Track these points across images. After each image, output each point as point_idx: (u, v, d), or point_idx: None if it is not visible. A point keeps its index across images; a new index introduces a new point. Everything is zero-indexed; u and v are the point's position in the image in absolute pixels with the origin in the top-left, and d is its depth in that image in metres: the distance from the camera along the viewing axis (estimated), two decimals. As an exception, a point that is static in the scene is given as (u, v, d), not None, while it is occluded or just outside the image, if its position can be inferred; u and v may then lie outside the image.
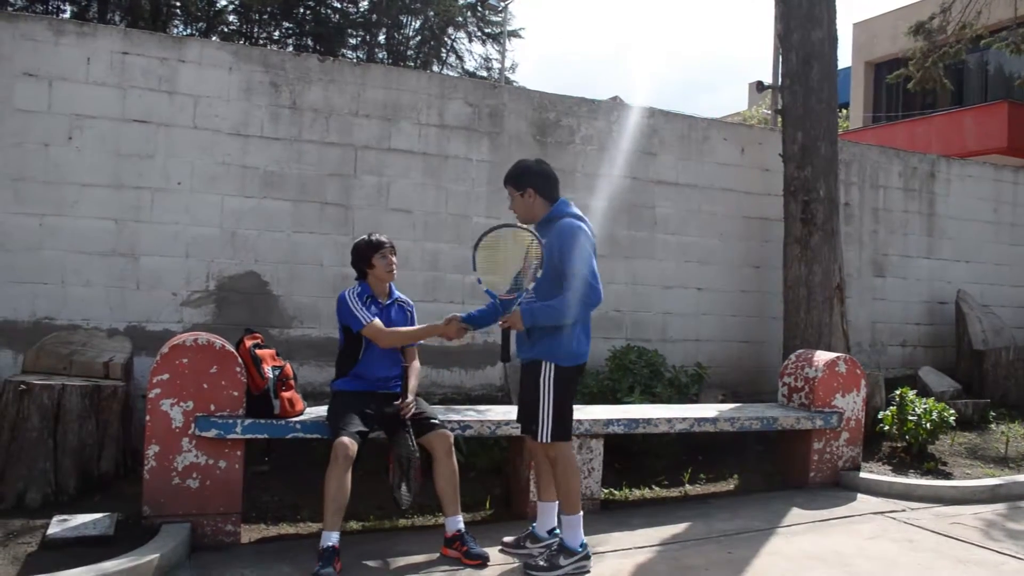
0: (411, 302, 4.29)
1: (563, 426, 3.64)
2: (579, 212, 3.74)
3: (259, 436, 3.97)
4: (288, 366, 4.20)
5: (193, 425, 3.88)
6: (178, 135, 5.60)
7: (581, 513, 3.72)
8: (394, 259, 4.10)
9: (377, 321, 3.96)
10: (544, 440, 3.62)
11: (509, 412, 4.71)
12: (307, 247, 5.95)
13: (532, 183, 3.70)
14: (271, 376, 4.04)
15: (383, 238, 4.11)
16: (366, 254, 4.06)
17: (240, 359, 4.01)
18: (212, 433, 3.87)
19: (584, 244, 3.54)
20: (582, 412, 4.94)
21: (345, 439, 3.62)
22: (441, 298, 6.31)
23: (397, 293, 4.22)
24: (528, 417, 3.69)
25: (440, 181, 6.36)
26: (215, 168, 5.70)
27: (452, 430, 4.19)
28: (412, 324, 4.21)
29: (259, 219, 5.82)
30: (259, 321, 5.74)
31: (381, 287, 4.11)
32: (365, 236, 4.12)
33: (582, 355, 3.67)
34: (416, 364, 4.20)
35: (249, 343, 4.11)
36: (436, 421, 3.95)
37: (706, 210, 7.35)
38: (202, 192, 5.66)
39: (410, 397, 3.92)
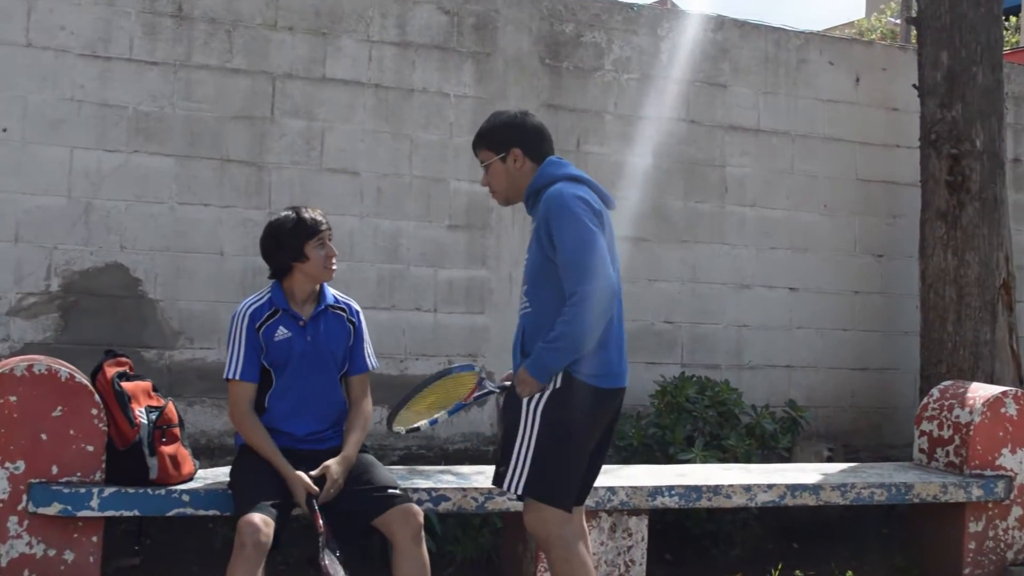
0: (356, 307, 4.28)
1: (550, 476, 3.60)
2: (575, 171, 3.79)
3: (127, 513, 3.94)
4: (171, 407, 4.18)
5: (25, 497, 3.85)
6: (2, 57, 5.56)
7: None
8: (332, 244, 4.09)
9: (244, 385, 3.97)
10: (512, 490, 3.61)
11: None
12: (200, 227, 5.91)
13: (518, 140, 3.78)
14: (145, 422, 4.02)
15: (320, 215, 4.09)
16: (292, 242, 4.03)
17: (99, 396, 3.98)
18: (55, 509, 3.84)
19: (584, 216, 3.58)
20: (614, 476, 4.90)
21: (255, 518, 3.60)
22: (402, 303, 6.28)
23: (332, 295, 4.20)
24: (502, 453, 3.68)
25: (401, 127, 6.32)
26: (60, 108, 5.66)
27: (420, 503, 4.16)
28: (357, 338, 4.22)
29: (127, 184, 5.78)
30: (127, 339, 5.69)
31: (307, 290, 4.10)
32: (290, 212, 4.11)
33: (609, 372, 3.64)
34: (366, 407, 4.18)
35: (112, 372, 4.09)
36: (396, 492, 3.93)
37: (802, 170, 7.31)
38: (40, 143, 5.63)
39: (334, 471, 3.89)
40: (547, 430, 3.56)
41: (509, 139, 3.78)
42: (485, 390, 3.80)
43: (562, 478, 3.61)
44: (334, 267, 4.10)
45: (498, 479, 3.67)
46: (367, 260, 6.20)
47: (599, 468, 3.86)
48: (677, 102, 6.97)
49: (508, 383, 3.72)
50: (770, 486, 4.96)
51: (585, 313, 3.48)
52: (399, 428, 3.78)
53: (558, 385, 3.58)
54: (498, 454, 3.73)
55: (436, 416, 3.79)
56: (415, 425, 3.77)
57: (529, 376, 3.57)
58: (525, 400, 3.58)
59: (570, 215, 3.55)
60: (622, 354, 3.71)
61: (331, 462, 3.92)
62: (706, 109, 7.07)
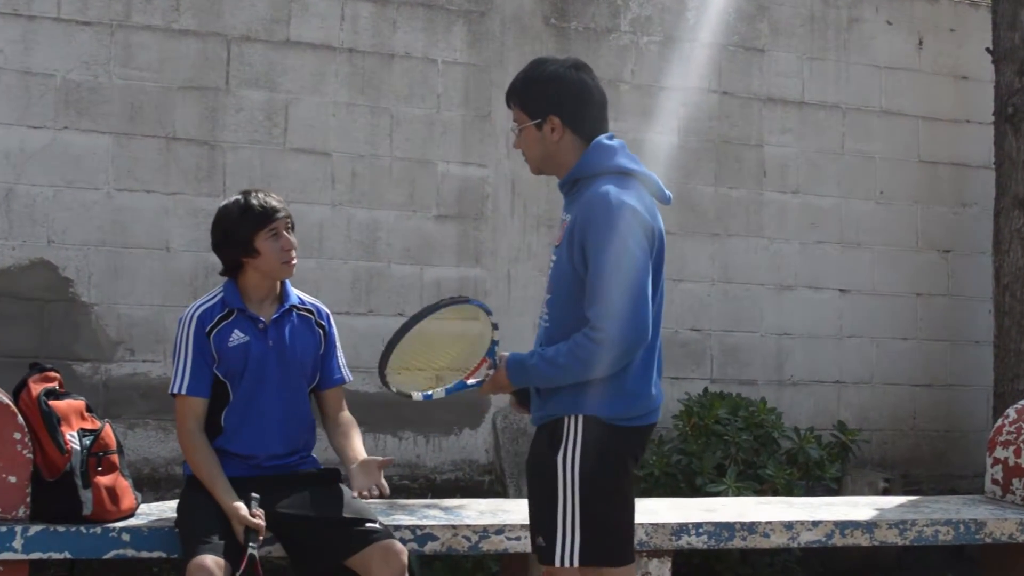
0: (326, 309, 4.28)
1: (603, 537, 3.60)
2: (628, 161, 3.62)
3: (56, 555, 3.93)
4: (108, 430, 4.15)
5: (-64, 535, 3.83)
6: (-91, 16, 5.60)
7: None
8: (293, 239, 4.08)
9: (192, 401, 3.97)
10: (567, 564, 3.58)
11: (502, 509, 4.69)
12: (142, 217, 5.93)
13: (558, 106, 3.59)
14: (78, 448, 3.99)
15: (274, 201, 4.09)
16: (242, 231, 4.02)
17: (22, 418, 3.96)
18: (-30, 550, 3.84)
19: (630, 237, 3.43)
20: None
21: (206, 561, 3.59)
22: (381, 307, 6.29)
23: (296, 295, 4.21)
24: (536, 522, 3.65)
25: (380, 99, 6.34)
26: (-24, 75, 5.69)
27: (404, 542, 4.16)
28: (329, 345, 4.22)
29: (55, 167, 5.79)
30: (56, 350, 5.71)
31: (264, 289, 4.10)
32: (238, 197, 4.10)
33: (644, 404, 3.62)
34: (347, 415, 4.23)
35: (38, 390, 4.06)
36: (376, 527, 3.93)
37: (855, 150, 7.32)
38: (-48, 118, 5.65)
39: (355, 469, 3.95)
40: (590, 489, 3.49)
41: (548, 103, 3.58)
42: (484, 375, 3.67)
43: (619, 534, 3.61)
44: (293, 261, 4.05)
45: (545, 555, 3.56)
46: (339, 257, 6.22)
47: None
48: (706, 70, 6.98)
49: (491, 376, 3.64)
50: (815, 523, 4.95)
51: (600, 356, 3.40)
52: (393, 378, 3.60)
53: (586, 436, 3.49)
54: (534, 522, 3.65)
55: (432, 391, 3.64)
56: (408, 391, 3.61)
57: (506, 377, 3.56)
58: (559, 460, 3.53)
59: (613, 233, 3.40)
60: (660, 375, 3.67)
61: (355, 468, 3.96)
62: (741, 78, 7.07)
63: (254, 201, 4.04)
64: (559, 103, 3.57)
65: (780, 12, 7.19)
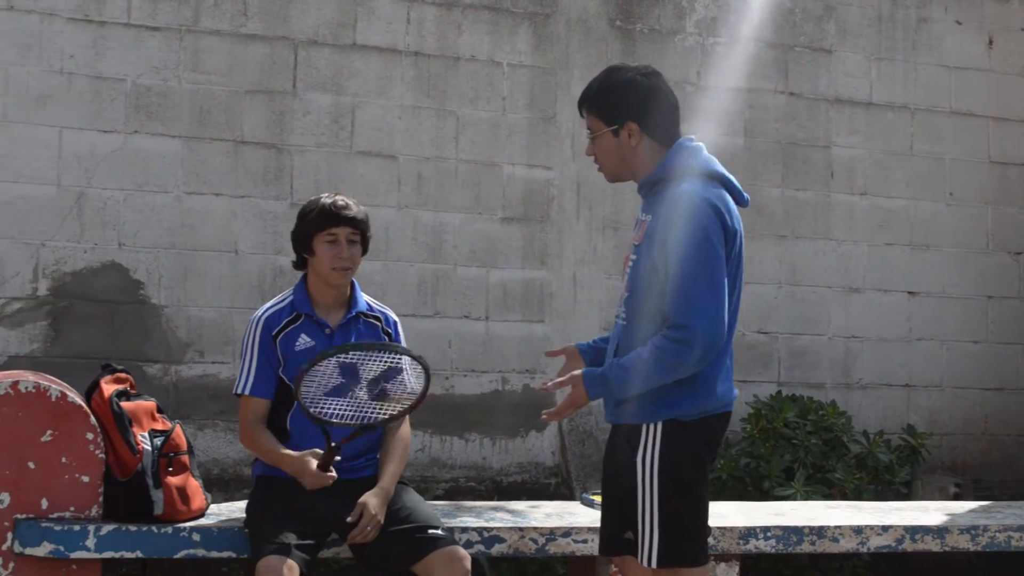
0: (394, 317, 4.26)
1: (681, 537, 3.58)
2: (715, 166, 3.64)
3: (128, 554, 3.94)
4: (179, 431, 4.18)
5: (10, 536, 3.86)
6: (-17, 22, 5.67)
7: None
8: (354, 251, 4.05)
9: (255, 402, 4.00)
10: (649, 563, 3.57)
11: (568, 512, 4.67)
12: (210, 220, 5.97)
13: (638, 112, 3.62)
14: (149, 448, 4.02)
15: (347, 210, 4.05)
16: (305, 228, 4.05)
17: (95, 419, 3.99)
18: (44, 549, 3.85)
19: (713, 235, 3.47)
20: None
21: (274, 562, 3.60)
22: (448, 309, 6.30)
23: (365, 301, 4.20)
24: (615, 521, 3.66)
25: (446, 102, 6.35)
26: (47, 81, 5.74)
27: (469, 546, 4.16)
28: None
29: (126, 171, 5.84)
30: (127, 351, 5.75)
31: (331, 294, 4.10)
32: (323, 195, 4.11)
33: (722, 396, 3.60)
34: (404, 432, 4.17)
35: (110, 391, 4.08)
36: (439, 533, 3.92)
37: (924, 151, 7.26)
38: (24, 123, 5.71)
39: (372, 506, 3.87)
40: (669, 490, 3.50)
41: (627, 109, 3.62)
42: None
43: (697, 534, 3.61)
44: (345, 269, 4.02)
45: (625, 551, 3.61)
46: (406, 259, 6.22)
47: None
48: (773, 71, 6.95)
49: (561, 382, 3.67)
50: (885, 528, 4.89)
51: (684, 357, 3.40)
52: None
53: (664, 439, 3.49)
54: (616, 516, 3.66)
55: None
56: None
57: (585, 394, 3.54)
58: (639, 462, 3.52)
59: (698, 231, 3.44)
60: (732, 369, 3.68)
61: (367, 497, 3.91)
62: (808, 79, 7.03)
63: (326, 202, 4.04)
64: (636, 109, 3.61)
65: (848, 13, 7.13)
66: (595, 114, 3.67)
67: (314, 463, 3.81)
